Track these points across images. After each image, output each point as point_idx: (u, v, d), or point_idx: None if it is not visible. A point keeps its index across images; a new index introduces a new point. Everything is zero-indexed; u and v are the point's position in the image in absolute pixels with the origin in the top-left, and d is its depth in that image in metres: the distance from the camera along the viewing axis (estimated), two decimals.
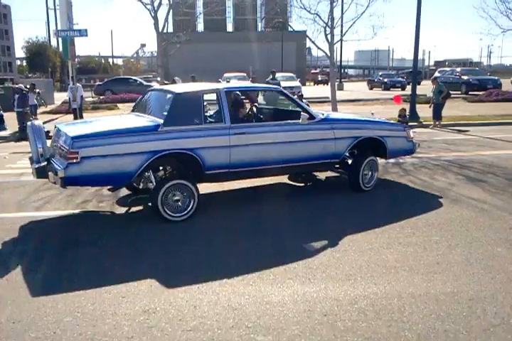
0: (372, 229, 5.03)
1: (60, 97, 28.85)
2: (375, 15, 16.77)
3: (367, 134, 6.60)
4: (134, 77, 35.85)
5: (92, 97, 29.77)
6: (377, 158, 6.84)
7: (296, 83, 26.51)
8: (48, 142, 5.75)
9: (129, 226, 5.34)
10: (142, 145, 5.18)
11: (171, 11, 16.90)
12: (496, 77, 28.49)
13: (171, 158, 5.50)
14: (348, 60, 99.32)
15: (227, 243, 4.72)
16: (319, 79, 60.85)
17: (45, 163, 5.36)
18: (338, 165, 6.71)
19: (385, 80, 35.80)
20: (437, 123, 13.73)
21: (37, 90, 25.07)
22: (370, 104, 21.54)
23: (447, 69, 33.73)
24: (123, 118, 6.58)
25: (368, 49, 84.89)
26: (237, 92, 7.15)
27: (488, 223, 5.12)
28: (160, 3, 15.37)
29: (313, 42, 17.22)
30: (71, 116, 16.90)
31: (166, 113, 5.51)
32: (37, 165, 5.36)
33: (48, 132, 13.60)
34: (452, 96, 23.25)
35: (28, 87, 16.48)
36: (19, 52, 72.25)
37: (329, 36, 15.71)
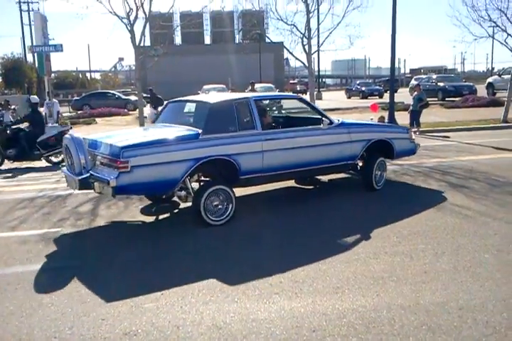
0: (358, 238, 4.95)
1: None
2: (351, 26, 16.76)
3: (378, 137, 7.12)
4: (112, 91, 35.69)
5: (70, 112, 29.40)
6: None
7: (275, 93, 26.54)
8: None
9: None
10: (186, 152, 5.43)
11: (148, 24, 16.82)
12: (471, 83, 29.02)
13: (210, 165, 5.69)
14: (326, 70, 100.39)
15: (213, 257, 4.59)
16: (298, 89, 61.18)
17: (88, 174, 5.45)
18: (350, 167, 7.12)
19: (363, 89, 36.20)
20: (416, 129, 13.85)
21: (12, 106, 24.73)
22: (349, 112, 21.68)
23: (423, 76, 34.29)
24: (154, 128, 6.57)
25: (344, 58, 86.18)
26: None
27: (473, 229, 5.09)
28: (136, 17, 15.20)
29: (290, 53, 17.32)
30: None
31: (203, 122, 5.77)
32: (80, 177, 5.45)
33: None
34: (429, 102, 23.69)
35: (1, 103, 16.15)
36: None
37: (307, 47, 15.80)
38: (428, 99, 14.20)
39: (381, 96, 33.39)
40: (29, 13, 49.23)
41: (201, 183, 6.02)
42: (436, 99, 25.94)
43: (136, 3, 14.74)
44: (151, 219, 6.11)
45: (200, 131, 5.62)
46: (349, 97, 37.96)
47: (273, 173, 6.15)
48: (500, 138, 12.30)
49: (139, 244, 5.11)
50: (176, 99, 7.18)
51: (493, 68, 68.84)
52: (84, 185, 5.48)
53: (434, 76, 31.11)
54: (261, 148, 5.94)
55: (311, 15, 15.70)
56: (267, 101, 10.50)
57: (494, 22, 15.70)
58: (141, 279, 4.15)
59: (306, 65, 16.39)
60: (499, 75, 28.42)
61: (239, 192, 6.25)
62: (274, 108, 7.71)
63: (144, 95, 28.15)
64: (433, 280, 3.86)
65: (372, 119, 10.63)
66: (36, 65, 42.28)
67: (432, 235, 4.97)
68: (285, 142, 6.19)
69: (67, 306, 3.67)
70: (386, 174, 7.33)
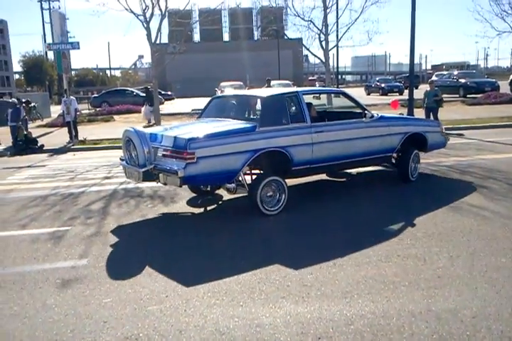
0: (370, 240, 4.81)
1: (57, 110, 28.70)
2: (369, 21, 16.57)
3: (414, 130, 7.43)
4: (130, 89, 35.81)
5: (89, 109, 29.70)
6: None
7: None
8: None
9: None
10: (245, 144, 5.68)
11: (166, 21, 16.86)
12: (494, 80, 28.34)
13: (265, 156, 5.86)
14: (346, 66, 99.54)
15: (220, 258, 4.50)
16: (317, 85, 60.86)
17: (152, 166, 5.64)
18: (386, 159, 7.37)
19: (383, 85, 35.64)
20: None
21: (33, 104, 25.07)
22: (368, 109, 21.36)
23: (444, 72, 33.61)
24: (206, 122, 6.58)
25: (364, 55, 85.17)
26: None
27: (490, 232, 4.89)
28: (152, 14, 15.25)
29: (307, 49, 17.21)
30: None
31: (259, 115, 6.15)
32: (144, 169, 5.63)
33: (43, 146, 13.60)
34: (450, 99, 23.25)
35: (20, 100, 16.35)
36: (16, 67, 72.33)
37: (324, 43, 15.66)
38: (449, 96, 13.93)
39: (401, 93, 32.85)
40: (50, 11, 49.76)
41: (252, 176, 6.17)
42: (457, 95, 25.44)
43: (152, 0, 14.75)
44: (200, 210, 6.40)
45: (256, 124, 5.88)
46: (368, 94, 37.43)
47: (321, 165, 6.41)
48: None
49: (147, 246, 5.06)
50: (221, 95, 7.59)
51: None
52: (148, 176, 5.70)
53: (456, 72, 30.50)
54: (311, 140, 6.19)
55: (328, 10, 15.57)
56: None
57: None
58: (145, 281, 4.08)
59: (324, 61, 16.22)
60: None
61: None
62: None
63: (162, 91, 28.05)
64: (446, 286, 3.70)
65: (402, 114, 10.60)
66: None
67: (447, 237, 4.79)
68: (332, 134, 6.43)
69: (71, 308, 3.63)
70: (419, 167, 7.58)
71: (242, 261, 4.41)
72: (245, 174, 6.13)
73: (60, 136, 16.11)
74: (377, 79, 40.61)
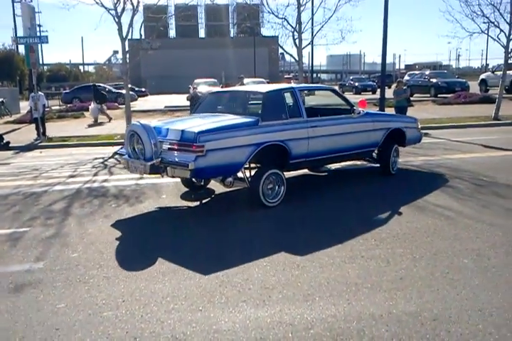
0: (335, 240, 4.77)
1: (26, 106, 28.01)
2: (342, 20, 16.49)
3: (395, 126, 7.87)
4: (102, 84, 35.16)
5: (60, 106, 29.04)
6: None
7: None
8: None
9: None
10: (250, 138, 5.88)
11: (141, 16, 16.51)
12: (464, 80, 28.84)
13: (266, 150, 6.03)
14: (321, 65, 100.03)
15: (182, 260, 4.39)
16: (292, 83, 60.99)
17: (159, 159, 5.68)
18: (370, 154, 7.74)
19: (356, 84, 35.97)
20: None
21: (1, 99, 24.34)
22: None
23: (416, 72, 34.06)
24: (207, 117, 6.57)
25: (340, 54, 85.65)
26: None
27: (454, 232, 4.91)
28: (123, 9, 14.90)
29: (281, 47, 17.10)
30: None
31: (260, 109, 6.32)
32: (151, 162, 5.67)
33: (8, 142, 13.23)
34: (422, 99, 23.56)
35: None
36: None
37: (297, 41, 15.57)
38: (421, 95, 14.11)
39: (374, 92, 33.16)
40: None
41: (250, 170, 6.33)
42: (428, 95, 25.80)
43: None
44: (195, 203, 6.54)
45: (258, 118, 6.08)
46: (343, 92, 37.58)
47: (315, 158, 6.71)
48: (490, 136, 12.17)
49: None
50: (217, 91, 7.88)
51: (487, 64, 68.76)
52: (154, 169, 5.74)
53: (427, 72, 30.94)
54: (307, 135, 6.46)
55: (302, 8, 15.46)
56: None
57: (487, 17, 15.53)
58: (102, 285, 3.94)
59: (297, 59, 16.17)
60: (492, 72, 28.28)
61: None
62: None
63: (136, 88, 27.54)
64: (408, 288, 3.68)
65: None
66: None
67: (411, 238, 4.79)
68: (326, 129, 6.73)
69: (22, 314, 3.47)
70: (398, 160, 8.06)
71: (205, 263, 4.30)
72: (246, 168, 6.26)
73: (27, 133, 15.68)
74: (351, 78, 40.97)
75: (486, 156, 9.37)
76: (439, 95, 25.48)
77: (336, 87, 44.23)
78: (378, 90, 28.91)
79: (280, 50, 30.32)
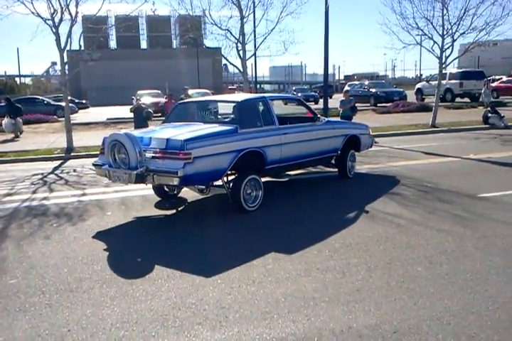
0: (288, 252, 4.69)
1: None
2: (285, 31, 16.69)
3: (352, 132, 8.45)
4: (40, 97, 33.82)
5: None
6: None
7: None
8: None
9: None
10: (231, 145, 6.12)
11: (81, 27, 15.99)
12: (402, 89, 30.06)
13: (245, 156, 6.25)
14: (264, 76, 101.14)
15: (131, 281, 4.15)
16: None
17: (145, 167, 5.71)
18: (331, 159, 8.24)
19: (299, 95, 36.51)
20: None
21: None
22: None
23: (356, 82, 35.14)
24: (181, 126, 6.67)
25: (282, 65, 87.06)
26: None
27: (405, 240, 4.96)
28: (61, 19, 14.37)
29: (225, 58, 17.04)
30: None
31: (238, 118, 6.59)
32: (137, 171, 5.69)
33: None
34: (362, 108, 24.23)
35: None
36: None
37: (241, 52, 15.61)
38: (361, 105, 14.53)
39: (316, 102, 33.84)
40: None
41: (227, 176, 6.48)
42: (368, 104, 26.62)
43: (61, 4, 13.92)
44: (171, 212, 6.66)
45: (237, 126, 6.33)
46: (285, 103, 38.18)
47: (287, 163, 7.08)
48: (429, 143, 12.63)
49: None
50: (186, 101, 8.38)
51: (421, 74, 72.23)
52: (141, 177, 5.76)
53: (367, 82, 32.00)
54: (280, 141, 6.79)
55: (245, 20, 15.51)
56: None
57: (421, 30, 16.25)
58: (45, 314, 3.64)
59: (241, 70, 16.19)
60: (427, 81, 29.68)
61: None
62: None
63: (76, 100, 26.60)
64: (366, 299, 3.64)
65: None
66: None
67: (364, 247, 4.79)
68: (295, 136, 7.12)
69: None
70: (355, 165, 8.59)
71: (155, 284, 4.09)
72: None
73: None
74: (293, 88, 41.67)
75: (428, 163, 9.69)
76: (378, 104, 26.39)
77: None
78: (321, 100, 29.60)
79: (224, 61, 30.44)
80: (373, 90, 27.77)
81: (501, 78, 34.23)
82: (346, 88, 31.12)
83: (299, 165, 7.69)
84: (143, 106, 14.04)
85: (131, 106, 14.01)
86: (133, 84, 43.56)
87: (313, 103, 33.96)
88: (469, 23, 15.64)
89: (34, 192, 8.33)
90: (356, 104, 13.88)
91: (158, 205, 6.96)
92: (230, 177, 6.59)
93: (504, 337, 3.06)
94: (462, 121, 17.28)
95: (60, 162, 12.29)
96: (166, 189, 7.05)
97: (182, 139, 5.69)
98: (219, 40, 16.50)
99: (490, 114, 16.34)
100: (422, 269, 4.19)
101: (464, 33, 15.89)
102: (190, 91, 17.54)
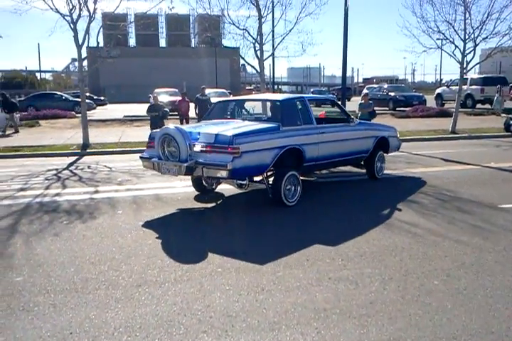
0: (300, 260, 4.55)
1: None
2: (303, 32, 16.50)
3: (381, 134, 8.65)
4: (59, 93, 34.10)
5: None
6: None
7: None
8: None
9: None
10: (275, 141, 6.43)
11: (100, 24, 16.03)
12: (421, 94, 29.65)
13: (286, 153, 6.53)
14: (282, 77, 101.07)
15: (134, 285, 4.05)
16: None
17: (194, 160, 6.06)
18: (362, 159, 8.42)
19: None
20: None
21: None
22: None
23: (375, 86, 34.79)
24: (224, 123, 7.03)
25: (300, 66, 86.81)
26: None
27: (422, 250, 4.78)
28: (79, 15, 14.41)
29: (242, 58, 16.97)
30: None
31: (280, 116, 6.85)
32: (187, 163, 6.04)
33: None
34: (381, 112, 23.92)
35: None
36: None
37: (259, 52, 15.49)
38: (379, 108, 14.33)
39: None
40: None
41: (267, 173, 6.70)
42: (387, 108, 26.29)
43: (79, 1, 13.95)
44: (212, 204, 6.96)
45: (279, 124, 6.61)
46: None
47: (323, 162, 7.36)
48: (448, 150, 12.37)
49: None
50: (225, 100, 8.86)
51: (441, 79, 71.39)
52: (190, 170, 6.10)
53: (386, 86, 31.63)
54: (317, 140, 7.06)
55: (263, 20, 15.40)
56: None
57: (443, 33, 15.95)
58: (48, 314, 3.56)
59: (258, 70, 16.08)
60: (447, 86, 29.23)
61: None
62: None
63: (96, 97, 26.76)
64: (379, 313, 3.48)
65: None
66: None
67: (379, 257, 4.62)
68: (332, 135, 7.39)
69: None
70: (385, 166, 8.79)
71: (161, 288, 3.98)
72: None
73: None
74: (311, 90, 41.48)
75: (447, 170, 9.45)
76: (397, 108, 26.03)
77: None
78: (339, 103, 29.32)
79: (241, 61, 30.36)
80: (392, 94, 27.42)
81: None
82: (365, 91, 30.82)
83: (333, 164, 7.94)
84: (160, 104, 14.01)
85: (149, 104, 14.00)
86: (151, 82, 43.79)
87: (330, 106, 33.74)
88: (492, 28, 15.34)
89: (47, 187, 8.31)
90: (375, 108, 13.69)
91: (197, 199, 7.25)
92: (268, 174, 6.82)
93: None
94: (483, 128, 16.94)
95: (75, 158, 12.30)
96: (204, 184, 7.35)
97: (231, 134, 6.00)
98: (237, 40, 16.43)
99: None
100: (439, 283, 4.01)
101: (486, 37, 15.59)
102: (207, 91, 17.47)
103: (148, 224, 5.89)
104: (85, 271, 4.40)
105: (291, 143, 6.60)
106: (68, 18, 14.16)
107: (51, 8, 13.81)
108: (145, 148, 7.05)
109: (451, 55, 16.24)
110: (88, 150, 13.34)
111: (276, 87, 58.39)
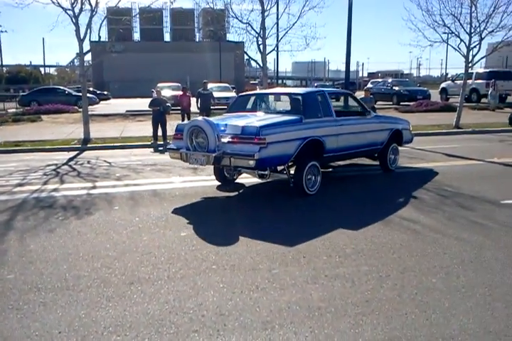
0: (296, 257, 4.47)
1: None
2: (307, 26, 16.33)
3: (396, 127, 8.84)
4: (62, 87, 34.03)
5: (16, 108, 27.87)
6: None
7: (232, 94, 26.25)
8: None
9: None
10: (298, 132, 6.70)
11: (102, 18, 15.93)
12: (426, 88, 29.39)
13: (307, 144, 6.76)
14: (286, 71, 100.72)
15: (127, 283, 3.98)
16: (258, 89, 60.97)
17: (222, 151, 6.34)
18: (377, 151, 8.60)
19: None
20: None
21: None
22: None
23: (379, 80, 34.54)
24: (247, 116, 7.38)
25: (304, 60, 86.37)
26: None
27: (421, 248, 4.69)
28: (81, 9, 14.32)
29: (245, 52, 16.85)
30: None
31: (302, 109, 7.17)
32: (216, 153, 6.33)
33: None
34: (384, 106, 23.77)
35: None
36: None
37: (261, 46, 15.36)
38: (383, 103, 14.19)
39: (338, 99, 33.33)
40: None
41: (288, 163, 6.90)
42: (391, 102, 26.10)
43: None
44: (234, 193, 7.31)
45: (301, 116, 6.89)
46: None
47: (342, 153, 7.60)
48: (452, 145, 12.24)
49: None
50: (246, 93, 9.00)
51: (447, 73, 70.94)
52: (219, 160, 6.39)
53: (390, 80, 31.39)
54: (337, 132, 7.32)
55: (266, 13, 15.24)
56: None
57: (448, 27, 15.76)
58: (38, 313, 3.50)
59: (261, 64, 15.95)
60: (452, 81, 28.98)
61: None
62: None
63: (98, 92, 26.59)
64: (375, 312, 3.40)
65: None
66: None
67: (376, 254, 4.54)
68: (350, 128, 7.65)
69: None
70: (399, 158, 8.95)
71: (154, 285, 3.92)
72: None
73: None
74: (315, 84, 41.26)
75: (450, 165, 9.33)
76: (401, 103, 25.83)
77: None
78: (342, 97, 29.14)
79: (246, 56, 30.21)
80: (396, 88, 27.20)
81: None
82: (369, 85, 30.65)
83: (351, 155, 8.18)
84: (163, 98, 13.92)
85: (152, 99, 13.90)
86: (155, 77, 43.64)
87: (334, 100, 33.53)
88: (499, 21, 15.12)
89: (45, 183, 8.26)
90: (378, 102, 13.56)
91: (219, 188, 7.55)
92: (289, 164, 7.02)
93: None
94: (487, 123, 16.77)
95: (75, 153, 12.26)
96: (226, 174, 7.66)
97: (258, 126, 6.30)
98: (240, 34, 16.34)
99: None
100: (437, 281, 3.92)
101: (492, 31, 15.37)
102: (209, 85, 17.34)
103: (144, 220, 5.83)
104: (78, 268, 4.34)
105: (312, 135, 6.85)
106: (70, 12, 14.09)
107: (53, 2, 13.74)
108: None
109: (456, 49, 16.05)
110: (89, 145, 13.29)
111: (280, 81, 58.00)
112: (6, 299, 3.72)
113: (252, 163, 6.19)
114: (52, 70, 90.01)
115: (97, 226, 5.62)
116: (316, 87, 38.69)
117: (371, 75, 78.30)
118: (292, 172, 6.92)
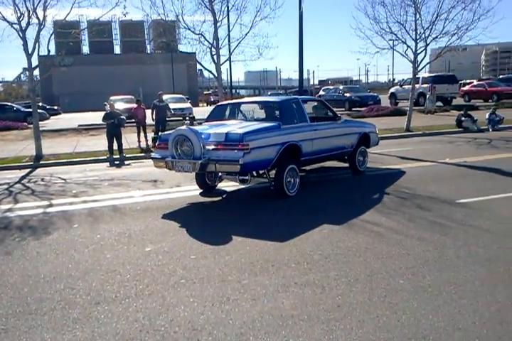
0: (265, 267, 4.46)
1: None
2: (259, 36, 16.49)
3: (364, 130, 9.41)
4: (10, 103, 32.89)
5: None
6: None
7: (187, 105, 26.17)
8: None
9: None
10: (277, 138, 7.08)
11: (51, 32, 15.51)
12: (376, 94, 30.26)
13: (286, 149, 7.14)
14: (239, 81, 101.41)
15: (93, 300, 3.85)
16: (212, 100, 60.98)
17: (207, 158, 6.62)
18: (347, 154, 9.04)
19: None
20: None
21: None
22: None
23: (331, 87, 35.27)
24: (228, 123, 7.75)
25: (257, 70, 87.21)
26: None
27: (385, 250, 4.78)
28: (28, 23, 13.90)
29: (199, 63, 16.78)
30: None
31: (279, 115, 7.76)
32: (202, 160, 6.60)
33: None
34: (337, 112, 24.24)
35: None
36: None
37: (215, 57, 15.38)
38: (336, 109, 14.35)
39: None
40: None
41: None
42: (343, 109, 26.67)
43: (28, 8, 13.46)
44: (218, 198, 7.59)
45: (279, 122, 7.32)
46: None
47: (316, 156, 8.01)
48: (404, 148, 12.62)
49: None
50: (224, 103, 9.43)
51: (394, 79, 73.29)
52: (204, 166, 6.63)
53: (341, 87, 32.12)
54: (312, 136, 7.74)
55: (218, 24, 15.30)
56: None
57: (395, 34, 16.31)
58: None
59: (216, 75, 15.96)
60: (400, 86, 29.95)
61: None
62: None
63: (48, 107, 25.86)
64: (347, 317, 3.43)
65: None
66: None
67: (343, 259, 4.59)
68: (324, 132, 8.12)
69: None
70: (367, 160, 9.43)
71: (121, 305, 3.80)
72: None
73: None
74: (269, 93, 41.70)
75: (404, 168, 9.59)
76: (353, 109, 26.45)
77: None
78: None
79: (198, 66, 30.05)
80: (348, 95, 27.85)
81: (472, 82, 34.83)
82: (321, 92, 31.25)
83: (324, 158, 8.51)
84: (116, 111, 13.67)
85: (105, 112, 13.64)
86: (107, 90, 42.90)
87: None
88: (441, 28, 15.81)
89: None
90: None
91: (203, 194, 7.82)
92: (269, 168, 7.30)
93: None
94: (436, 125, 17.40)
95: (28, 170, 11.82)
96: (207, 181, 7.93)
97: (241, 132, 6.63)
98: (193, 45, 16.25)
99: (463, 118, 16.51)
100: (405, 282, 4.00)
101: (436, 37, 16.05)
102: (164, 97, 17.20)
103: (105, 237, 5.66)
104: (40, 290, 4.16)
105: (290, 140, 7.24)
106: (17, 26, 13.66)
107: None
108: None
109: (403, 55, 16.62)
110: (42, 162, 12.85)
111: (234, 91, 58.19)
112: None
113: (236, 168, 6.50)
114: None
115: (56, 245, 5.42)
116: (270, 95, 39.11)
117: (322, 83, 79.90)
118: (272, 176, 7.23)
